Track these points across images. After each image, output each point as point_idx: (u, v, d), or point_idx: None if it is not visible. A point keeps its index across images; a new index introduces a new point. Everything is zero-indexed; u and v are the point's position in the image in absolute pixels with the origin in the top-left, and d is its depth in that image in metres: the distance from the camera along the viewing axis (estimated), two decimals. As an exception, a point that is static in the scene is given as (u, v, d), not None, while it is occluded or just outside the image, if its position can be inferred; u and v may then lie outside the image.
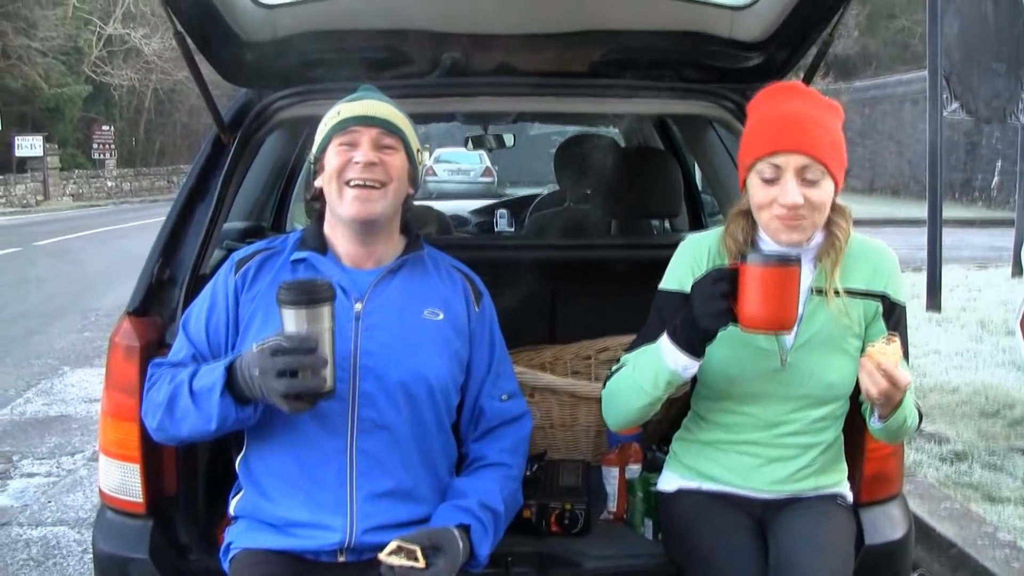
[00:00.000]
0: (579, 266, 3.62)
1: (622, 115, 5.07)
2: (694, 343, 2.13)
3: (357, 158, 2.18)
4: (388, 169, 2.20)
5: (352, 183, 2.18)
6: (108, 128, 37.62)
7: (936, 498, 4.41)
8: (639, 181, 3.72)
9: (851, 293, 2.27)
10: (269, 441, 2.20)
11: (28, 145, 33.09)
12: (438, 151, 27.23)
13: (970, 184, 25.35)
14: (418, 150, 2.31)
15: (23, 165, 33.61)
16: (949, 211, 21.13)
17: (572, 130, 5.85)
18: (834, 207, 2.26)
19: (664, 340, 2.17)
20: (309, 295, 1.96)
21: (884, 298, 2.31)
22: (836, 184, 2.21)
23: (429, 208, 4.78)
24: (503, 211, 6.14)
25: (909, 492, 4.41)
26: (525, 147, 8.85)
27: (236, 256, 2.33)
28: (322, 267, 2.25)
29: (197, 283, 2.51)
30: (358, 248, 2.27)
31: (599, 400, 2.42)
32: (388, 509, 2.17)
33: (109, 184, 36.62)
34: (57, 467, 5.57)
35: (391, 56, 2.78)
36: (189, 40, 2.57)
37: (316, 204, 2.31)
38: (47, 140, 33.68)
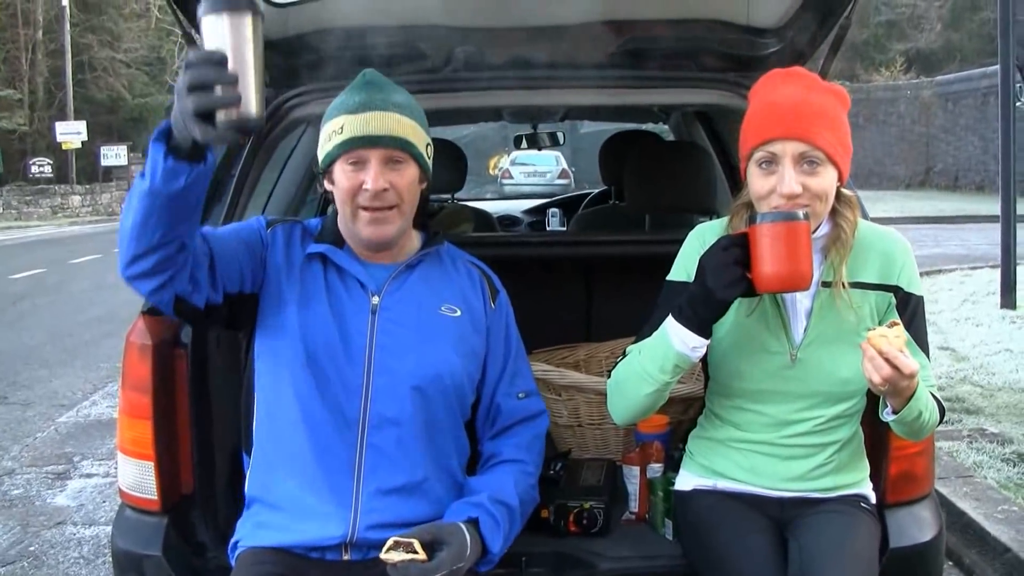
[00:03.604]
0: (613, 262, 3.57)
1: (668, 110, 5.02)
2: (706, 319, 2.07)
3: (367, 184, 2.13)
4: (399, 191, 2.16)
5: (365, 207, 2.15)
6: (190, 136, 38.42)
7: (994, 500, 4.26)
8: (673, 176, 3.66)
9: (862, 286, 2.19)
10: (281, 424, 2.18)
11: (113, 155, 34.08)
12: (514, 154, 27.20)
13: (1059, 179, 24.65)
14: (427, 144, 2.25)
15: (108, 174, 34.62)
16: (1035, 207, 20.65)
17: (654, 128, 5.81)
18: (840, 197, 2.18)
19: (670, 322, 2.10)
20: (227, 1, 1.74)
21: (897, 290, 2.22)
22: (840, 172, 2.13)
23: (464, 206, 4.77)
24: (555, 210, 6.11)
25: (966, 494, 4.30)
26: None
27: (265, 218, 2.31)
28: (339, 260, 2.22)
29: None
30: (374, 251, 2.26)
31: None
32: (394, 506, 2.14)
33: (191, 191, 37.44)
34: (115, 468, 5.64)
35: (404, 51, 2.76)
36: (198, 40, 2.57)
37: (331, 194, 2.25)
38: (131, 149, 34.59)
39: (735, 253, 2.00)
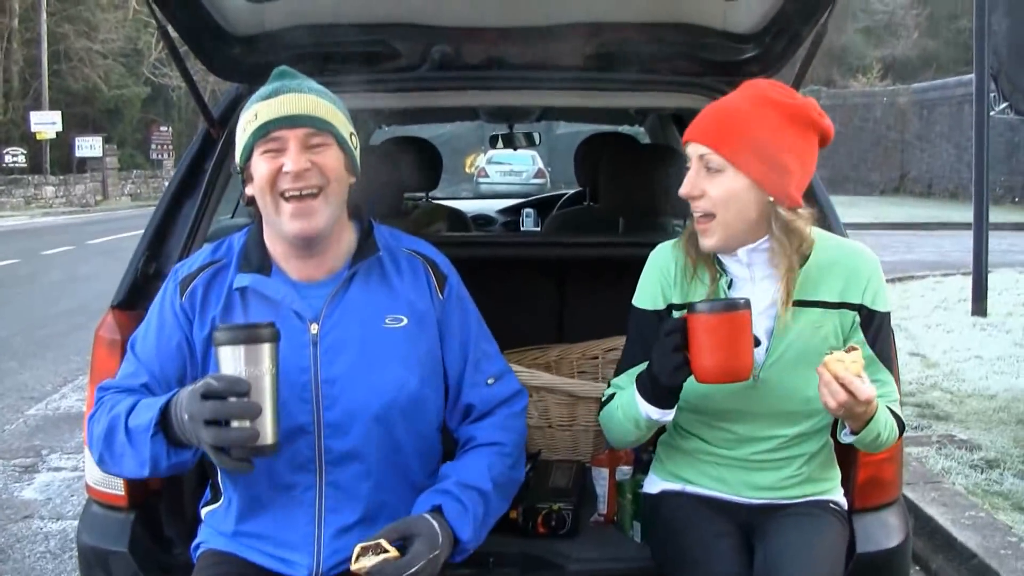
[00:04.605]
0: (586, 264, 3.57)
1: (644, 113, 5.03)
2: (663, 398, 2.09)
3: (287, 167, 1.97)
4: (323, 170, 2.00)
5: (287, 195, 1.99)
6: (166, 129, 38.31)
7: (961, 506, 4.28)
8: (647, 179, 3.66)
9: (823, 305, 2.18)
10: (236, 476, 2.07)
11: (88, 146, 33.85)
12: (491, 152, 27.16)
13: (1034, 187, 24.91)
14: (351, 134, 2.09)
15: (83, 165, 34.41)
16: (1009, 215, 20.81)
17: (630, 130, 5.82)
18: (778, 218, 2.12)
19: (636, 393, 2.13)
20: (247, 333, 1.80)
21: (861, 308, 2.19)
22: (759, 182, 2.08)
23: (438, 205, 4.77)
24: (529, 210, 6.12)
25: (933, 500, 4.33)
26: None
27: (180, 274, 2.14)
28: (269, 291, 2.06)
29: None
30: (306, 260, 2.09)
31: (599, 400, 2.38)
32: (355, 541, 2.00)
33: (167, 184, 37.28)
34: (83, 462, 5.61)
35: (380, 50, 2.76)
36: (174, 34, 2.57)
37: (251, 209, 2.11)
38: (106, 141, 34.44)
39: (675, 340, 1.99)
